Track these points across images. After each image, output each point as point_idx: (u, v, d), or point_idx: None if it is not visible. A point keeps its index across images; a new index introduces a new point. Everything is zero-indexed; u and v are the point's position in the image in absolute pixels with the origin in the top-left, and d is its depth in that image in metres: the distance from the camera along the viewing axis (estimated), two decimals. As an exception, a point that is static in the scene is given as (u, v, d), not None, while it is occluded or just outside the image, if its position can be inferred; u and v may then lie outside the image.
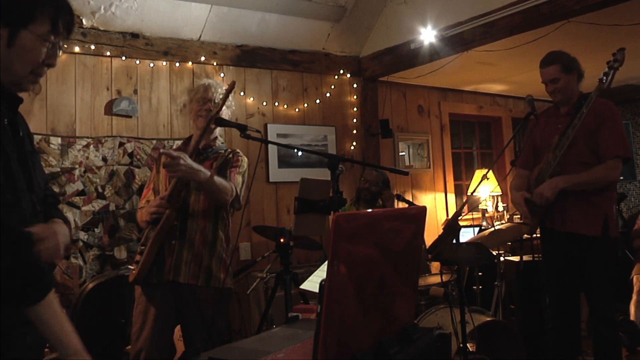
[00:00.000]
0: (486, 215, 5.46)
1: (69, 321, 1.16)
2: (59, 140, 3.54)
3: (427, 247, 2.65)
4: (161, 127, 3.97)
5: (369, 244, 1.20)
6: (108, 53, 3.74)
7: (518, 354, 2.98)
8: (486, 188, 5.47)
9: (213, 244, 2.47)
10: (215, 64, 4.19)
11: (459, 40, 4.10)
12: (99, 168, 3.66)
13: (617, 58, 2.77)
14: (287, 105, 4.55)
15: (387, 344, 1.22)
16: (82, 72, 3.68)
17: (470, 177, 5.93)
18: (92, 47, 3.67)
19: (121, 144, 3.76)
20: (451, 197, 5.69)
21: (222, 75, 4.21)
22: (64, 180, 3.52)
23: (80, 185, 3.58)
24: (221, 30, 4.14)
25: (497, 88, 6.01)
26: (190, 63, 4.09)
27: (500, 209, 5.77)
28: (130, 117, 3.82)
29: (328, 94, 4.80)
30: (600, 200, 2.77)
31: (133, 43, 3.84)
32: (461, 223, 2.69)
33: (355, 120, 4.95)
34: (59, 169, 3.51)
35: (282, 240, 3.02)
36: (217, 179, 2.38)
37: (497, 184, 5.52)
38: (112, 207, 3.68)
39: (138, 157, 3.81)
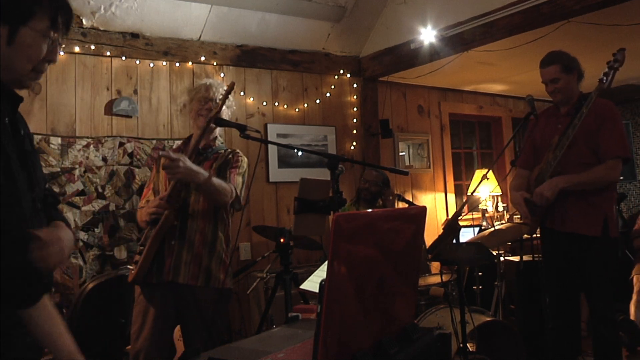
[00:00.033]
0: (486, 215, 5.46)
1: (64, 323, 1.15)
2: (59, 140, 3.54)
3: (427, 247, 2.65)
4: (161, 127, 3.97)
5: (369, 244, 1.20)
6: (108, 53, 3.74)
7: (518, 354, 2.98)
8: (486, 188, 5.47)
9: (213, 244, 2.47)
10: (215, 64, 4.19)
11: (459, 40, 4.10)
12: (99, 168, 3.66)
13: (617, 58, 2.77)
14: (287, 105, 4.55)
15: (387, 344, 1.22)
16: (82, 72, 3.68)
17: (470, 177, 5.93)
18: (92, 47, 3.67)
19: (121, 144, 3.76)
20: (451, 197, 5.69)
21: (222, 75, 4.21)
22: (64, 180, 3.52)
23: (80, 185, 3.58)
24: (221, 30, 4.14)
25: (497, 88, 6.01)
26: (190, 63, 4.09)
27: (500, 209, 5.77)
28: (130, 117, 3.82)
29: (328, 94, 4.80)
30: (600, 200, 2.77)
31: (133, 43, 3.84)
32: (461, 223, 2.69)
33: (355, 120, 4.95)
34: (59, 169, 3.51)
35: (282, 240, 3.03)
36: (217, 181, 2.38)
37: (497, 184, 5.52)
38: (112, 207, 3.68)
39: (138, 157, 3.81)
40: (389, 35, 4.68)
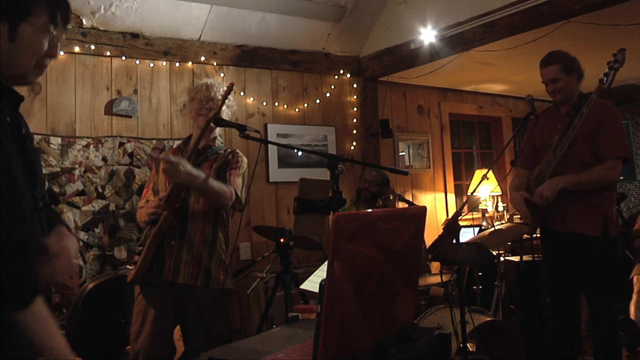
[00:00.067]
0: (486, 215, 5.46)
1: (57, 324, 1.14)
2: (59, 140, 3.54)
3: (427, 247, 2.65)
4: (161, 127, 3.97)
5: (369, 244, 1.20)
6: (108, 53, 3.74)
7: (518, 354, 2.98)
8: (486, 188, 5.47)
9: (212, 244, 2.47)
10: (215, 64, 4.19)
11: (459, 40, 4.10)
12: (99, 168, 3.66)
13: (618, 59, 2.77)
14: (287, 105, 4.55)
15: (387, 344, 1.22)
16: (82, 72, 3.68)
17: (470, 177, 5.93)
18: (92, 47, 3.67)
19: (121, 144, 3.76)
20: (451, 197, 5.69)
21: (222, 75, 4.21)
22: (64, 180, 3.52)
23: (80, 185, 3.58)
24: (221, 30, 4.14)
25: (497, 88, 6.01)
26: (190, 63, 4.09)
27: (500, 209, 5.77)
28: (130, 117, 3.82)
29: (328, 94, 4.80)
30: (600, 200, 2.77)
31: (133, 43, 3.84)
32: (461, 223, 2.69)
33: (355, 120, 4.95)
34: (59, 169, 3.51)
35: (282, 240, 3.03)
36: (217, 184, 2.39)
37: (497, 184, 5.52)
38: (112, 207, 3.68)
39: (138, 157, 3.81)
40: (389, 35, 4.68)
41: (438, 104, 5.72)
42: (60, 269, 1.26)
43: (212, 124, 2.45)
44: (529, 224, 2.97)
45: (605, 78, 2.76)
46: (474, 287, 3.68)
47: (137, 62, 3.87)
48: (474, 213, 5.54)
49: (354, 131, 4.94)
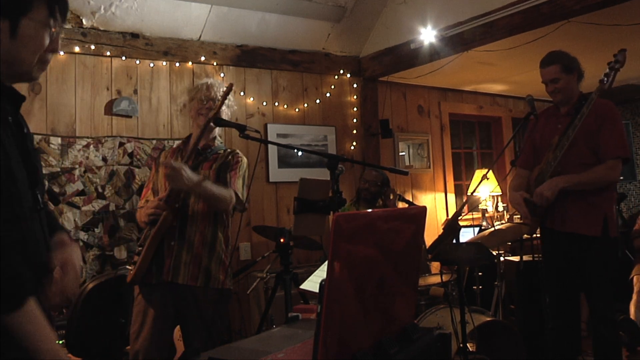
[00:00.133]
0: (486, 215, 5.46)
1: (49, 325, 1.14)
2: (59, 140, 3.54)
3: (427, 247, 2.65)
4: (161, 127, 3.97)
5: (369, 244, 1.20)
6: (108, 53, 3.74)
7: (518, 354, 2.98)
8: (486, 188, 5.47)
9: (212, 244, 2.47)
10: (215, 64, 4.19)
11: (459, 40, 4.10)
12: (99, 168, 3.66)
13: (618, 59, 2.77)
14: (287, 105, 4.55)
15: (387, 344, 1.22)
16: (82, 72, 3.68)
17: (470, 177, 5.93)
18: (92, 47, 3.67)
19: (121, 144, 3.76)
20: (451, 197, 5.69)
21: (222, 75, 4.21)
22: (64, 180, 3.52)
23: (80, 185, 3.58)
24: (221, 30, 4.14)
25: (497, 88, 6.01)
26: (190, 63, 4.09)
27: (500, 209, 5.77)
28: (130, 117, 3.82)
29: (328, 94, 4.80)
30: (600, 200, 2.77)
31: (133, 43, 3.84)
32: (461, 223, 2.69)
33: (355, 120, 4.95)
34: (59, 169, 3.51)
35: (282, 240, 3.03)
36: (217, 189, 2.40)
37: (497, 184, 5.52)
38: (112, 207, 3.68)
39: (138, 157, 3.81)
40: (389, 35, 4.68)
41: (438, 104, 5.72)
42: (69, 284, 1.30)
43: (212, 124, 2.45)
44: (529, 224, 2.97)
45: (605, 78, 2.76)
46: (474, 287, 3.68)
47: (137, 62, 3.87)
48: (474, 213, 5.54)
49: (354, 131, 4.94)
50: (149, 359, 2.37)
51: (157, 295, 2.42)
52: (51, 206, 3.42)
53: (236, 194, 2.47)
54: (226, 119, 2.51)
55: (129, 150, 3.78)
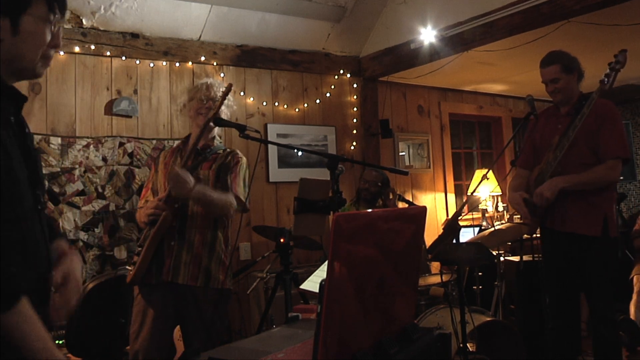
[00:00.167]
0: (486, 215, 5.46)
1: (44, 326, 1.14)
2: (59, 140, 3.54)
3: (427, 247, 2.65)
4: (161, 127, 3.97)
5: (369, 244, 1.20)
6: (108, 53, 3.74)
7: (518, 354, 2.98)
8: (486, 188, 5.47)
9: (212, 245, 2.47)
10: (215, 64, 4.19)
11: (459, 40, 4.10)
12: (99, 168, 3.66)
13: (619, 60, 2.77)
14: (287, 105, 4.55)
15: (387, 344, 1.22)
16: (82, 72, 3.68)
17: (470, 177, 5.93)
18: (92, 47, 3.67)
19: (121, 144, 3.76)
20: (451, 197, 5.69)
21: (222, 75, 4.21)
22: (64, 180, 3.52)
23: (80, 185, 3.58)
24: (221, 30, 4.14)
25: (497, 88, 6.01)
26: (190, 63, 4.09)
27: (500, 209, 5.77)
28: (130, 117, 3.82)
29: (328, 94, 4.80)
30: (600, 200, 2.77)
31: (133, 43, 3.84)
32: (461, 223, 2.69)
33: (355, 120, 4.95)
34: (59, 169, 3.51)
35: (282, 240, 3.03)
36: (217, 197, 2.42)
37: (497, 184, 5.52)
38: (112, 207, 3.68)
39: (138, 157, 3.81)
40: (389, 35, 4.68)
41: (438, 104, 5.72)
42: (72, 294, 1.31)
43: (211, 124, 2.45)
44: (529, 224, 2.97)
45: (606, 79, 2.76)
46: (474, 287, 3.68)
47: (137, 62, 3.87)
48: (474, 213, 5.54)
49: (354, 131, 4.94)
50: (148, 359, 2.37)
51: (156, 296, 2.42)
52: (51, 206, 3.42)
53: (238, 197, 2.48)
54: (225, 118, 2.51)
55: (129, 150, 3.78)
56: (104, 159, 3.68)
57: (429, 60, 4.40)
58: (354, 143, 4.92)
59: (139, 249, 2.41)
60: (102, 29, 3.71)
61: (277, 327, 1.59)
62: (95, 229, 3.60)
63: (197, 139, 2.48)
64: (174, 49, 4.00)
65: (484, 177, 2.93)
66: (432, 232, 4.95)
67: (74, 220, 3.53)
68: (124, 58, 3.80)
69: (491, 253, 3.37)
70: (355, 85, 4.97)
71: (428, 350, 1.38)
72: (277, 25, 4.33)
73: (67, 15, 3.49)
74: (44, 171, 3.39)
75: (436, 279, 3.47)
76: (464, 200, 4.79)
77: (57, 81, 3.58)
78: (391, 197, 3.88)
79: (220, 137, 2.86)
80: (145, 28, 3.86)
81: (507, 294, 3.75)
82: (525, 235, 3.34)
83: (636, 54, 3.84)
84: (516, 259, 3.90)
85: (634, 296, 3.90)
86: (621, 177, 4.30)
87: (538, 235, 3.08)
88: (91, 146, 3.64)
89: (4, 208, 1.12)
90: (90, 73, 3.70)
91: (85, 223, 3.57)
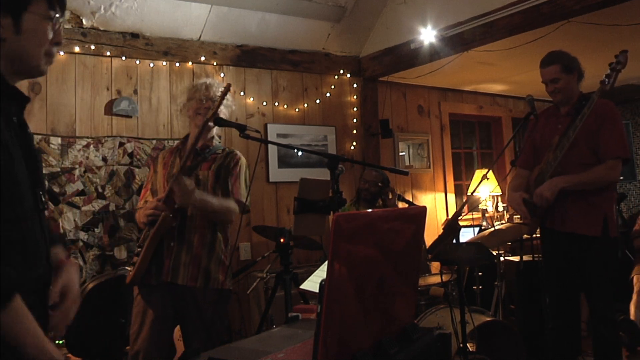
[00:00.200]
0: (486, 215, 5.45)
1: (38, 327, 1.14)
2: (59, 140, 3.54)
3: (427, 247, 2.65)
4: (161, 127, 3.97)
5: (369, 244, 1.20)
6: (108, 53, 3.74)
7: (518, 354, 2.98)
8: (486, 188, 5.47)
9: (212, 245, 2.47)
10: (215, 64, 4.19)
11: (459, 40, 4.10)
12: (99, 168, 3.66)
13: (620, 60, 2.77)
14: (287, 105, 4.55)
15: (387, 344, 1.22)
16: (82, 72, 3.68)
17: (470, 177, 5.92)
18: (92, 47, 3.67)
19: (121, 144, 3.76)
20: (451, 197, 5.69)
21: (222, 75, 4.21)
22: (64, 180, 3.52)
23: (80, 185, 3.58)
24: (221, 30, 4.14)
25: (497, 88, 6.01)
26: (190, 63, 4.09)
27: (500, 209, 5.77)
28: (130, 117, 3.82)
29: (328, 94, 4.80)
30: (600, 200, 2.77)
31: (133, 43, 3.84)
32: (461, 223, 2.69)
33: (355, 120, 4.95)
34: (59, 169, 3.51)
35: (282, 240, 3.03)
36: (218, 205, 2.43)
37: (497, 184, 5.52)
38: (112, 207, 3.68)
39: (138, 157, 3.81)
40: (389, 35, 4.68)
41: (438, 104, 5.72)
42: (70, 310, 1.36)
43: (211, 124, 2.45)
44: (529, 224, 2.97)
45: (607, 79, 2.76)
46: (474, 287, 3.68)
47: (137, 62, 3.87)
48: (474, 213, 5.54)
49: (354, 131, 4.94)
50: (148, 359, 2.37)
51: (156, 296, 2.42)
52: (51, 206, 3.42)
53: (239, 201, 2.48)
54: (225, 118, 2.51)
55: (129, 150, 3.78)
56: (104, 159, 3.68)
57: (429, 60, 4.40)
58: (354, 143, 4.92)
59: (139, 249, 2.41)
60: (102, 29, 3.71)
61: (277, 327, 1.59)
62: (95, 229, 3.60)
63: (195, 139, 2.48)
64: (174, 49, 4.00)
65: (484, 177, 2.93)
66: (432, 232, 4.95)
67: (74, 220, 3.53)
68: (124, 58, 3.80)
69: (491, 253, 3.37)
70: (355, 85, 4.97)
71: (428, 350, 1.38)
72: (277, 25, 4.33)
73: (67, 15, 3.49)
74: (44, 171, 3.39)
75: (436, 279, 3.47)
76: (464, 200, 4.78)
77: (57, 81, 3.58)
78: (391, 197, 3.87)
79: (220, 137, 2.86)
80: (145, 28, 3.86)
81: (507, 294, 3.75)
82: (525, 236, 3.34)
83: (636, 54, 3.83)
84: (516, 259, 3.90)
85: (634, 296, 3.90)
86: (621, 177, 4.30)
87: (538, 235, 3.08)
88: (91, 146, 3.64)
89: (4, 208, 1.12)
90: (90, 73, 3.70)
91: (85, 223, 3.57)
